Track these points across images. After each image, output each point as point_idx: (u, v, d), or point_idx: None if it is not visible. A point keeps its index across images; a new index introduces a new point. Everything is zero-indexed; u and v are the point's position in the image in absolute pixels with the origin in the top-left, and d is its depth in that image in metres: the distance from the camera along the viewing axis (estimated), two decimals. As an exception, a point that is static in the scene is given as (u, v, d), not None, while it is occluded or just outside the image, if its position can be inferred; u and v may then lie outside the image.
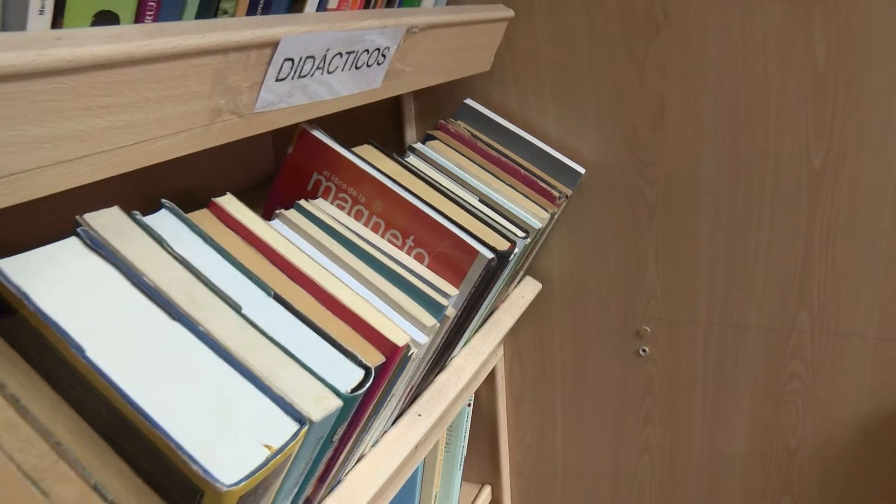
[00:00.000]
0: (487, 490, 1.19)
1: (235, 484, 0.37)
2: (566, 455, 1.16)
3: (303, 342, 0.48)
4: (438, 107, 1.03)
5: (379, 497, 0.72)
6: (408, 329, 0.57)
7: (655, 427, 1.09)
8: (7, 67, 0.34)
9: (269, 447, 0.40)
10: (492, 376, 1.10)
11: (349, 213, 0.67)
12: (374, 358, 0.51)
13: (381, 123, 1.05)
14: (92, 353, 0.40)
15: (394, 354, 0.52)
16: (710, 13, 0.89)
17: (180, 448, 0.38)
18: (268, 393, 0.43)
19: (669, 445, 1.09)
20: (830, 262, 0.94)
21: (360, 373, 0.48)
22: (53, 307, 0.41)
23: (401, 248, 0.67)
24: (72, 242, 0.47)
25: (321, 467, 0.56)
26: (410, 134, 1.05)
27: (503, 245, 0.69)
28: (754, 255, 0.97)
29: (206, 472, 0.37)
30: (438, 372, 0.81)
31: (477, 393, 1.11)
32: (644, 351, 1.05)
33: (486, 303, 0.81)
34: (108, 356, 0.40)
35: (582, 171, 0.96)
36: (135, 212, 0.51)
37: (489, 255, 0.65)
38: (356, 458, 0.67)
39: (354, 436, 0.58)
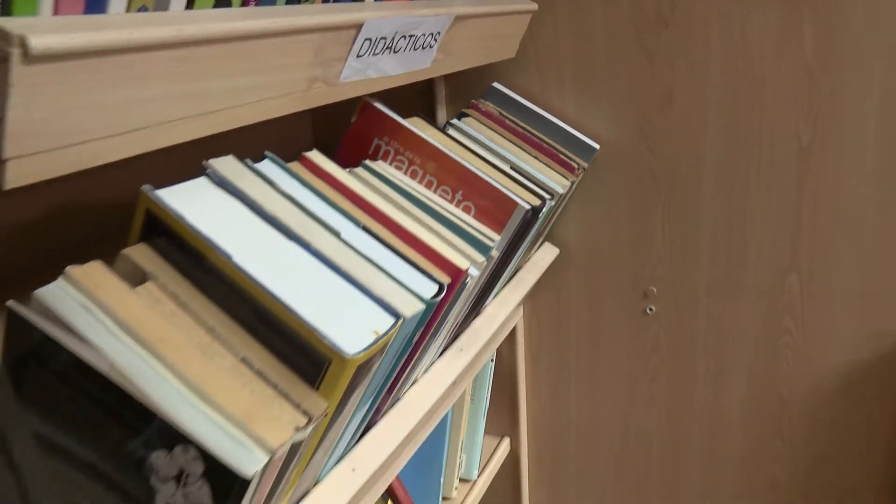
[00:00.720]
0: (506, 442, 1.30)
1: (356, 354, 0.49)
2: (580, 409, 1.28)
3: (388, 262, 0.60)
4: (466, 89, 1.15)
5: (426, 421, 0.84)
6: (462, 263, 0.69)
7: (661, 382, 1.21)
8: (157, 39, 0.44)
9: (376, 332, 0.52)
10: (512, 335, 1.21)
11: (405, 173, 0.79)
12: (444, 278, 0.63)
13: (415, 102, 1.17)
14: (237, 259, 0.51)
15: (458, 276, 0.63)
16: (714, 9, 1.01)
17: (314, 327, 0.49)
18: (370, 295, 0.55)
19: (674, 399, 1.21)
20: (817, 229, 1.06)
21: (435, 286, 0.60)
22: (202, 225, 0.52)
23: (450, 202, 0.78)
24: (202, 181, 0.59)
25: (392, 378, 0.68)
26: (441, 113, 1.16)
27: (535, 201, 0.81)
28: (750, 223, 1.09)
29: (334, 344, 0.49)
30: (474, 317, 0.93)
31: (498, 350, 1.23)
32: (651, 310, 1.17)
33: (516, 256, 0.92)
34: (248, 262, 0.52)
35: (597, 146, 1.08)
36: (246, 159, 0.62)
37: (526, 206, 0.77)
38: (412, 381, 0.78)
39: (418, 353, 0.69)
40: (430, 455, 1.11)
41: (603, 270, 1.18)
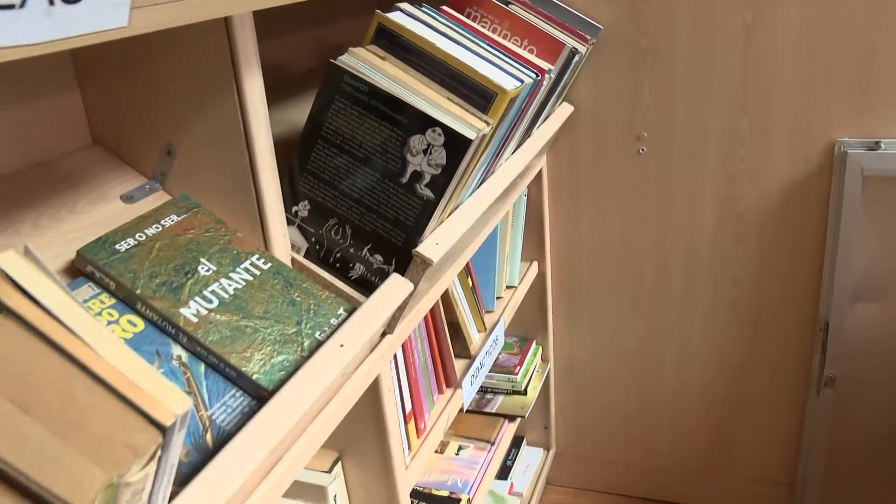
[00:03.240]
0: (535, 264, 1.72)
1: (512, 89, 0.89)
2: (590, 234, 1.70)
3: (507, 61, 1.00)
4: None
5: (487, 216, 1.25)
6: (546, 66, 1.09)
7: (651, 206, 1.63)
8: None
9: (515, 86, 0.92)
10: (539, 177, 1.63)
11: (488, 30, 1.19)
12: (543, 66, 1.03)
13: None
14: (440, 44, 0.91)
15: (543, 72, 1.04)
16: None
17: (488, 76, 0.89)
18: (509, 73, 0.95)
19: (661, 218, 1.64)
20: (758, 84, 1.49)
21: (534, 74, 1.01)
22: (416, 28, 0.92)
23: (520, 47, 1.19)
24: (398, 14, 0.98)
25: (499, 147, 1.08)
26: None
27: (573, 46, 1.22)
28: (710, 80, 1.51)
29: (499, 85, 0.89)
30: (526, 139, 1.34)
31: (528, 189, 1.64)
32: (642, 150, 1.59)
33: (553, 97, 1.33)
34: (445, 46, 0.92)
35: (601, 27, 1.49)
36: (422, 5, 1.02)
37: (575, 44, 1.17)
38: (498, 166, 1.19)
39: (513, 132, 1.10)
40: (487, 259, 1.52)
41: (606, 122, 1.59)
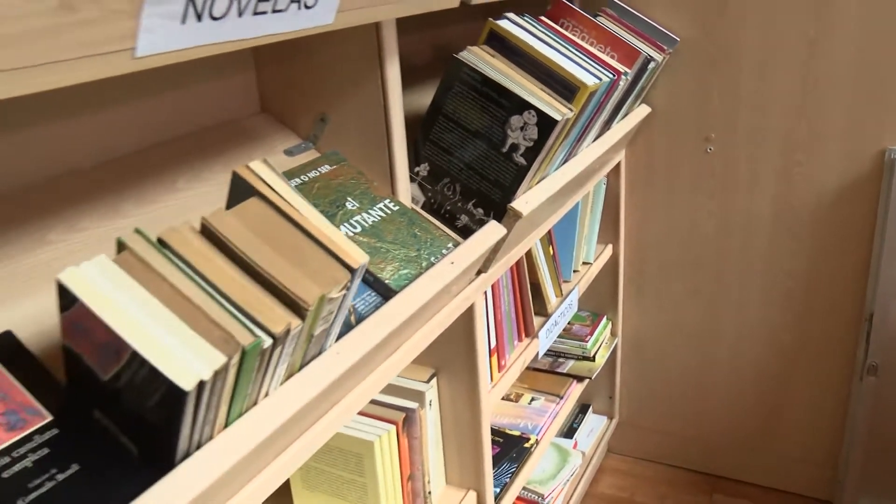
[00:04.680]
0: (610, 247, 1.95)
1: (592, 84, 1.14)
2: (660, 223, 1.92)
3: (594, 65, 1.25)
4: (593, 2, 1.79)
5: (567, 192, 1.49)
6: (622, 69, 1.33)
7: (715, 199, 1.85)
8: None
9: (595, 83, 1.17)
10: (617, 168, 1.86)
11: (578, 37, 1.44)
12: (620, 69, 1.27)
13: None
14: (541, 48, 1.16)
15: (618, 76, 1.28)
16: (753, -51, 1.64)
17: (576, 75, 1.14)
18: (591, 73, 1.20)
19: (724, 210, 1.85)
20: (818, 92, 1.68)
21: (611, 75, 1.25)
22: (522, 35, 1.17)
23: (603, 53, 1.43)
24: (506, 21, 1.23)
25: (580, 133, 1.32)
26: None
27: (648, 54, 1.45)
28: (773, 88, 1.71)
29: (582, 81, 1.14)
30: (606, 131, 1.57)
31: (608, 178, 1.87)
32: (710, 149, 1.81)
33: (630, 97, 1.56)
34: (545, 51, 1.17)
35: (678, 39, 1.72)
36: (525, 15, 1.27)
37: (647, 53, 1.41)
38: (581, 149, 1.43)
39: (591, 123, 1.34)
40: (567, 235, 1.76)
41: (678, 123, 1.81)
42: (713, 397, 2.07)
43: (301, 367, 0.76)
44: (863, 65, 1.63)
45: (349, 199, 1.06)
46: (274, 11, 0.69)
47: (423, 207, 1.20)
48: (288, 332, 0.63)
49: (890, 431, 1.89)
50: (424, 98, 1.40)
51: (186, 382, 0.55)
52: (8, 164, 0.86)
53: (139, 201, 0.97)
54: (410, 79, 1.45)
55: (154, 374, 0.56)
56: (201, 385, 0.56)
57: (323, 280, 0.67)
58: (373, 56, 1.07)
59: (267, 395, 0.72)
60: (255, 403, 0.71)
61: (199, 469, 0.64)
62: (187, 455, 0.65)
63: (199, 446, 0.66)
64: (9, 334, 0.72)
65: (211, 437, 0.67)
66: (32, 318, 0.78)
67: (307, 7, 0.73)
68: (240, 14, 0.66)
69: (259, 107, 1.22)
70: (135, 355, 0.57)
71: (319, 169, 1.10)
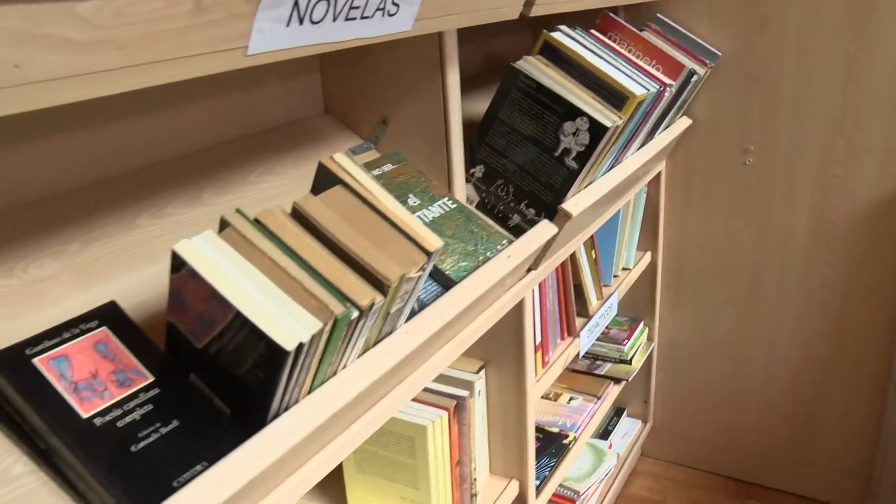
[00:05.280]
0: (648, 254, 2.01)
1: (640, 94, 1.20)
2: (698, 232, 1.97)
3: (644, 77, 1.31)
4: (637, 16, 1.85)
5: (611, 197, 1.55)
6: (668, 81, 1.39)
7: (753, 210, 1.90)
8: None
9: (642, 93, 1.23)
10: (657, 177, 1.92)
11: (625, 49, 1.50)
12: (665, 81, 1.33)
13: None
14: (590, 59, 1.23)
15: (664, 87, 1.34)
16: (795, -32, 1.69)
17: (626, 86, 1.21)
18: (639, 82, 1.26)
19: (761, 221, 1.90)
20: (857, 108, 1.73)
21: (657, 86, 1.31)
22: (573, 45, 1.24)
23: (649, 66, 1.49)
24: (559, 34, 1.30)
25: (626, 142, 1.38)
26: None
27: (692, 69, 1.51)
28: (812, 103, 1.76)
29: (631, 91, 1.20)
30: (649, 141, 1.63)
31: (648, 187, 1.93)
32: (748, 161, 1.86)
33: (677, 103, 1.62)
34: (594, 61, 1.23)
35: (719, 53, 1.78)
36: (577, 28, 1.34)
37: (691, 66, 1.47)
38: (626, 157, 1.49)
39: (638, 132, 1.40)
40: (608, 242, 1.82)
41: (718, 135, 1.87)
42: (747, 405, 2.11)
43: (375, 344, 0.83)
44: (901, 81, 1.68)
45: (411, 195, 1.14)
46: (362, 18, 0.77)
47: (477, 207, 1.27)
48: (372, 305, 0.70)
49: (923, 442, 1.92)
50: (473, 104, 1.47)
51: (288, 343, 0.62)
52: (102, 154, 0.94)
53: (217, 191, 1.05)
54: (462, 86, 1.53)
55: (257, 335, 0.64)
56: (300, 347, 0.63)
57: (403, 261, 0.74)
58: (435, 63, 1.15)
59: (345, 366, 0.79)
60: (334, 374, 0.78)
61: (289, 428, 0.71)
62: (276, 416, 0.72)
63: (286, 409, 0.73)
64: (113, 304, 0.80)
65: (296, 402, 0.74)
66: (128, 293, 0.86)
67: (390, 15, 0.81)
68: (334, 19, 0.73)
69: (323, 108, 1.30)
70: (239, 318, 0.64)
71: (382, 167, 1.17)
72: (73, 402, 0.71)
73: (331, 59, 1.25)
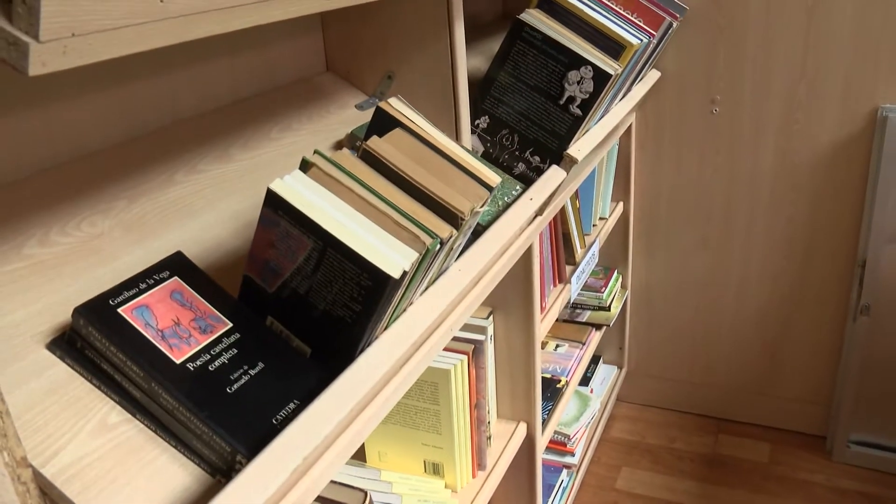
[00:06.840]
0: (621, 204, 2.08)
1: (635, 42, 1.25)
2: (668, 180, 2.05)
3: (635, 29, 1.36)
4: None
5: (602, 145, 1.61)
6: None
7: (721, 156, 1.98)
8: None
9: (636, 42, 1.29)
10: (628, 131, 1.98)
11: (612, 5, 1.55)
12: (650, 32, 1.39)
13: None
14: (592, 13, 1.28)
15: (652, 37, 1.40)
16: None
17: (622, 35, 1.26)
18: (633, 34, 1.31)
19: (729, 166, 1.98)
20: (816, 57, 1.82)
21: (647, 37, 1.36)
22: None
23: (630, 18, 1.55)
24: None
25: (614, 95, 1.44)
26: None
27: (672, 18, 1.57)
28: (775, 54, 1.85)
29: (626, 40, 1.25)
30: (622, 99, 1.69)
31: (619, 140, 2.00)
32: (715, 111, 1.94)
33: (650, 61, 1.69)
34: (597, 17, 1.28)
35: (687, 7, 1.84)
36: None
37: (670, 19, 1.53)
38: (600, 116, 1.55)
39: (627, 83, 1.46)
40: (587, 192, 1.89)
41: (686, 86, 1.94)
42: (718, 344, 2.22)
43: (433, 283, 0.86)
44: (857, 28, 1.77)
45: (427, 147, 1.17)
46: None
47: (482, 157, 1.30)
48: (451, 236, 0.74)
49: (881, 369, 2.06)
50: (470, 57, 1.50)
51: (394, 271, 0.66)
52: (132, 111, 0.95)
53: (243, 147, 1.07)
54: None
55: (360, 265, 0.67)
56: (403, 274, 0.67)
57: (470, 195, 0.78)
58: (442, 17, 1.18)
59: (411, 303, 0.82)
60: (404, 311, 0.81)
61: (379, 360, 0.74)
62: (362, 352, 0.75)
63: (369, 345, 0.76)
64: (180, 254, 0.82)
65: (377, 339, 0.77)
66: (179, 247, 0.87)
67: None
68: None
69: (325, 66, 1.32)
70: (340, 249, 0.67)
71: (395, 122, 1.20)
72: (164, 348, 0.73)
73: (332, 18, 1.27)
